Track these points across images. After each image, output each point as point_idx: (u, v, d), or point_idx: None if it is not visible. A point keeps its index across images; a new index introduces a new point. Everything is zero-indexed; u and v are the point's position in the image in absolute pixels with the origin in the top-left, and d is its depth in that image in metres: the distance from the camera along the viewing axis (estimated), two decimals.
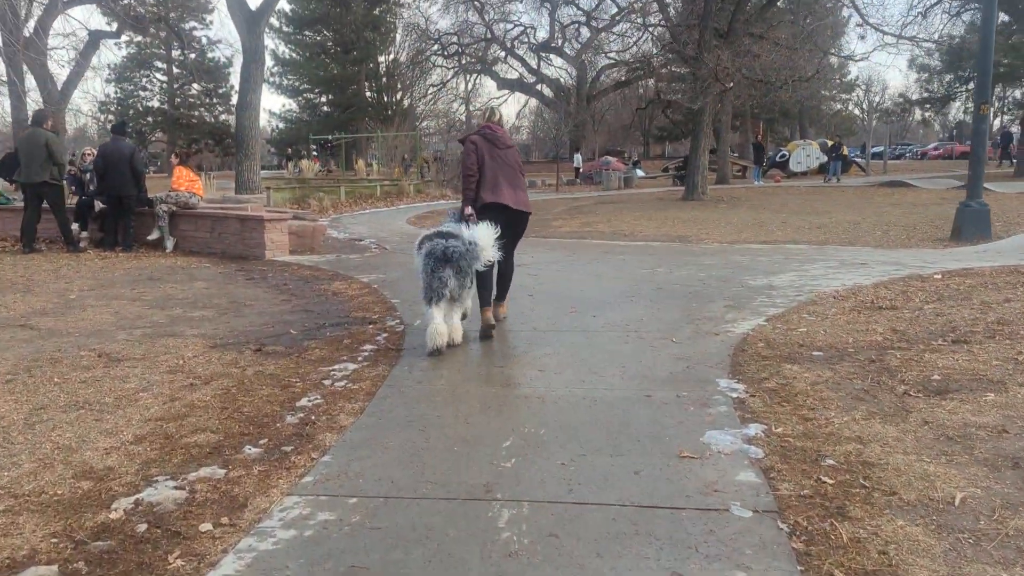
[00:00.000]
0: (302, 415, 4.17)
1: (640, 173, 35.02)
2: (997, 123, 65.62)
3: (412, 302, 7.11)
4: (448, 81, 62.93)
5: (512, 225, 6.00)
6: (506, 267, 6.25)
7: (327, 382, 4.77)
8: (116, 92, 59.58)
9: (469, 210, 5.88)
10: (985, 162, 11.38)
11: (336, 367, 5.10)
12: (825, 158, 35.25)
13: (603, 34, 59.55)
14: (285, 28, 57.58)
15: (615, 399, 4.32)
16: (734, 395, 4.36)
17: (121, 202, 11.38)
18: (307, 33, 58.70)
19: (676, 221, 15.50)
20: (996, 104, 63.43)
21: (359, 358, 5.32)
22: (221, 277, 9.08)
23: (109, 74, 57.90)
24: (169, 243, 11.66)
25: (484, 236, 5.38)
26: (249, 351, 5.53)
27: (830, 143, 34.07)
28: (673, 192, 26.75)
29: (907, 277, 7.86)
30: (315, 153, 41.07)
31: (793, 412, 4.07)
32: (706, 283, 7.86)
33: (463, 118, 65.36)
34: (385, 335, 5.99)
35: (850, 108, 77.64)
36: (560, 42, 60.99)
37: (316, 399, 4.44)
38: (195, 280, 8.84)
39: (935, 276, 7.78)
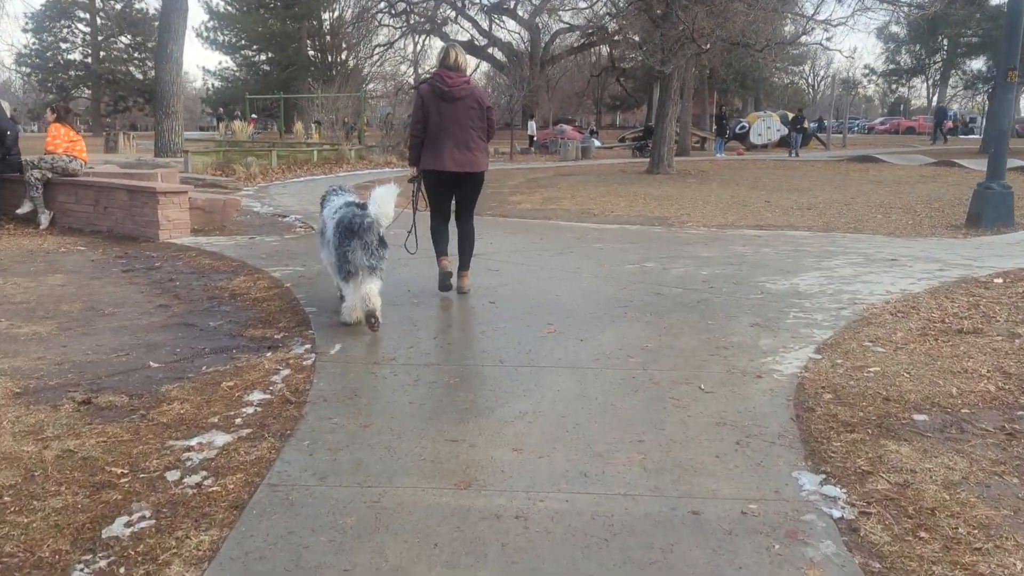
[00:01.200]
0: (102, 564, 2.35)
1: (597, 143, 33.29)
2: (935, 99, 65.89)
3: (332, 310, 5.28)
4: (395, 42, 60.04)
5: (459, 188, 5.71)
6: (463, 234, 5.91)
7: (172, 475, 2.94)
8: (34, 43, 55.34)
9: (413, 169, 5.75)
10: (1007, 139, 9.93)
11: (196, 441, 3.26)
12: (785, 131, 34.03)
13: None
14: None
15: (641, 520, 2.60)
16: (834, 512, 2.67)
17: None
18: None
19: (648, 198, 13.82)
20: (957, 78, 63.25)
21: (238, 421, 3.49)
22: (91, 267, 7.07)
23: (26, 22, 53.85)
24: (44, 218, 9.54)
25: (382, 199, 4.85)
26: (71, 404, 3.64)
27: (791, 116, 32.84)
28: (635, 164, 25.10)
29: (960, 281, 6.30)
30: (252, 115, 38.17)
31: (947, 555, 2.40)
32: (713, 286, 6.18)
33: (411, 80, 62.81)
34: (287, 371, 4.15)
35: (797, 81, 77.09)
36: (513, 3, 58.69)
37: (142, 517, 2.62)
38: (54, 271, 6.83)
39: (995, 280, 6.24)
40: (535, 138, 34.94)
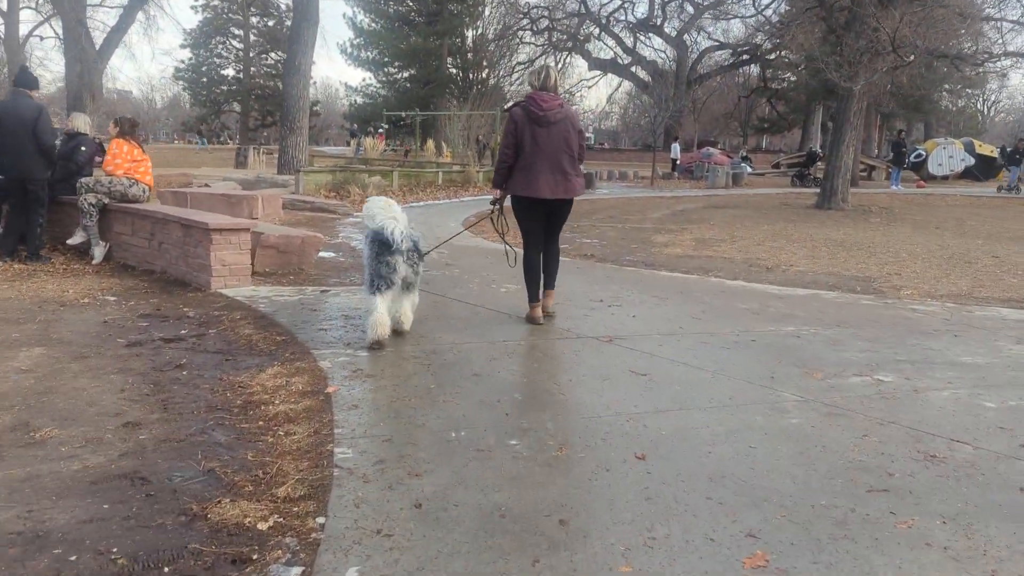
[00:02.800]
0: None
1: (748, 169, 30.18)
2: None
3: (391, 455, 3.12)
4: (536, 59, 58.89)
5: (551, 215, 5.68)
6: (549, 257, 5.85)
7: None
8: (191, 58, 57.58)
9: (495, 192, 5.78)
10: None
11: None
12: (971, 161, 29.78)
13: (708, 13, 54.45)
14: None
15: None
16: None
17: (25, 189, 7.74)
18: (389, 2, 55.27)
19: (830, 245, 11.06)
20: None
21: None
22: (94, 334, 5.27)
23: (185, 38, 56.00)
24: (97, 251, 8.02)
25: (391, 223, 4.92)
26: None
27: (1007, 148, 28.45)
28: (797, 196, 22.01)
29: None
30: (380, 130, 37.37)
31: None
32: None
33: None
34: None
35: (972, 105, 70.05)
36: (660, 20, 56.06)
37: None
38: (41, 339, 5.05)
39: None
40: (678, 162, 32.11)
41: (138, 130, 8.25)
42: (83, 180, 8.03)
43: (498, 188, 5.70)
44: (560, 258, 6.03)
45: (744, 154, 34.81)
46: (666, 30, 56.24)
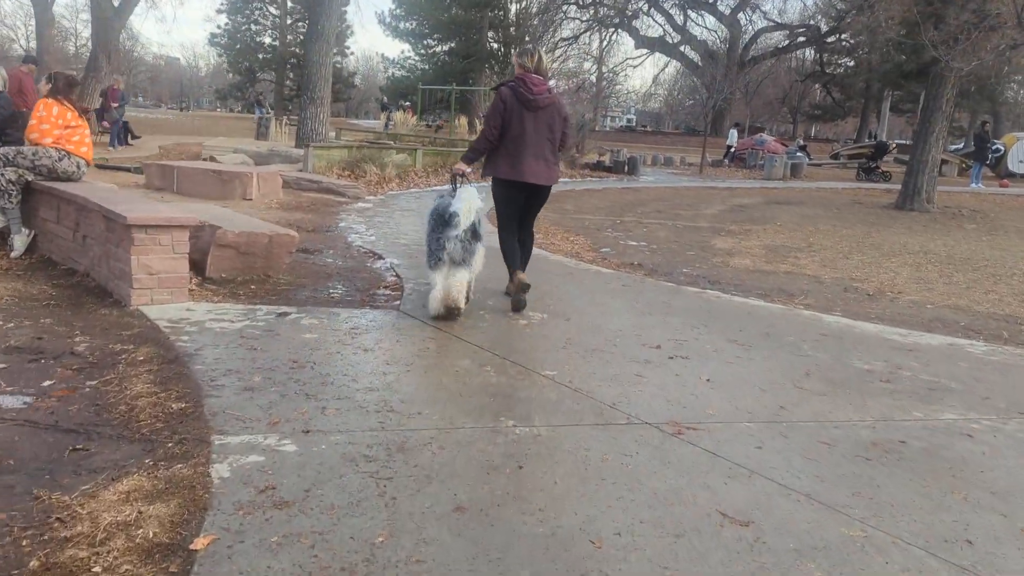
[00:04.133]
0: None
1: (806, 159, 27.85)
2: None
3: None
4: (580, 36, 56.47)
5: (530, 200, 5.58)
6: (526, 237, 5.84)
7: None
8: (227, 24, 56.19)
9: (462, 167, 5.53)
10: None
11: None
12: None
13: None
14: None
15: None
16: None
17: None
18: None
19: (934, 260, 9.04)
20: None
21: None
22: None
23: (221, 4, 54.59)
24: (17, 241, 6.34)
25: (466, 204, 4.95)
26: None
27: None
28: (867, 192, 19.81)
29: None
30: (407, 104, 35.46)
31: None
32: None
33: (593, 79, 58.98)
34: None
35: None
36: None
37: None
38: None
39: None
40: (733, 148, 29.78)
41: (74, 89, 6.50)
42: (3, 150, 6.33)
43: (468, 164, 5.54)
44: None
45: (801, 143, 32.32)
46: (719, 8, 53.59)
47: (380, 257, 7.35)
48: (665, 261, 8.31)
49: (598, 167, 22.98)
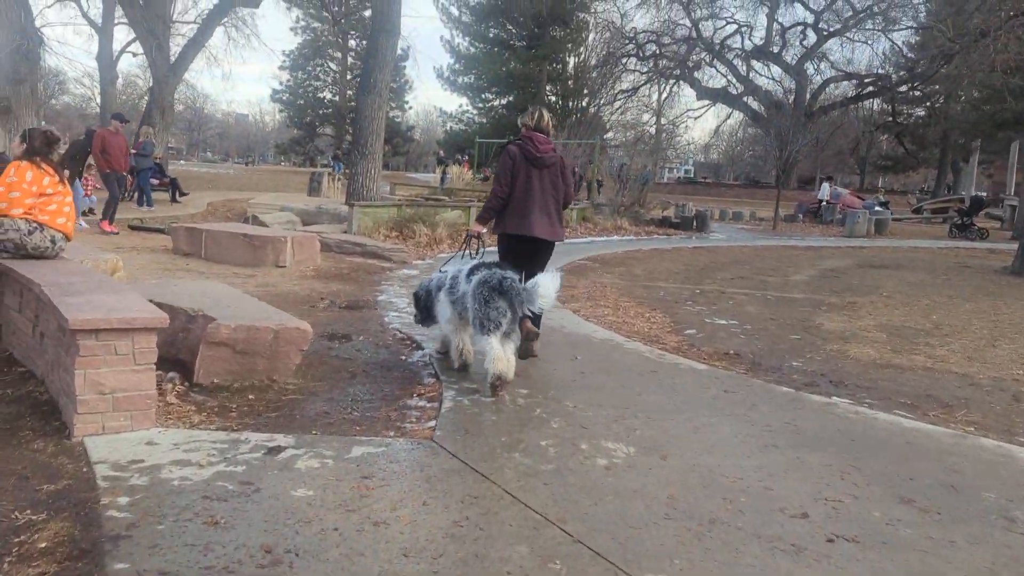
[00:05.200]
0: None
1: (889, 215, 25.94)
2: None
3: None
4: (640, 87, 55.56)
5: (537, 253, 5.60)
6: None
7: None
8: (289, 80, 56.93)
9: (478, 228, 5.70)
10: None
11: None
12: None
13: (832, 40, 49.96)
14: (465, 18, 52.32)
15: None
16: None
17: None
18: (490, 25, 53.09)
19: None
20: None
21: None
22: None
23: (284, 60, 55.36)
24: None
25: (548, 285, 4.77)
26: None
27: None
28: (968, 252, 17.90)
29: None
30: (466, 157, 34.55)
31: None
32: None
33: (652, 131, 57.81)
34: None
35: None
36: (779, 47, 51.89)
37: None
38: None
39: None
40: (825, 203, 27.60)
41: (55, 148, 5.39)
42: None
43: (483, 224, 5.67)
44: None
45: (882, 197, 30.35)
46: (784, 58, 52.09)
47: (418, 346, 6.01)
48: (767, 349, 6.79)
49: (664, 223, 21.55)
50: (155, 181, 18.95)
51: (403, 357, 5.72)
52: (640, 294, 9.71)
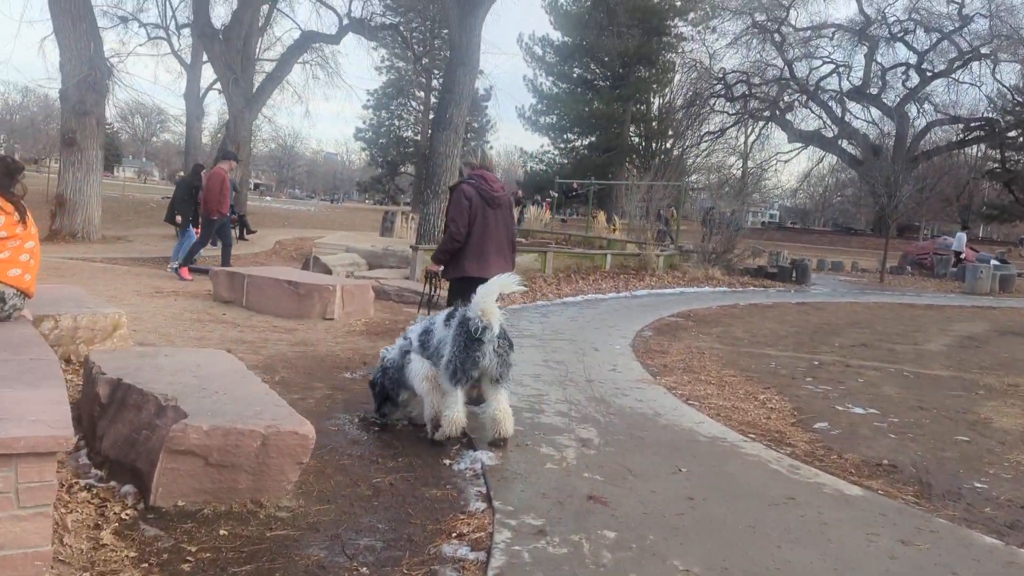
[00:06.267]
0: None
1: (1015, 270, 23.40)
2: None
3: None
4: (727, 129, 53.70)
5: None
6: None
7: None
8: (372, 119, 57.27)
9: (435, 267, 5.56)
10: None
11: None
12: None
13: (936, 81, 47.17)
14: (549, 58, 51.64)
15: None
16: None
17: None
18: (574, 65, 52.27)
19: None
20: None
21: None
22: None
23: (368, 99, 55.69)
24: None
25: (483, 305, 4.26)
26: None
27: None
28: None
29: None
30: (547, 199, 33.22)
31: None
32: None
33: (738, 174, 55.70)
34: None
35: None
36: (878, 88, 49.29)
37: None
38: None
39: None
40: (964, 256, 24.93)
41: (17, 179, 4.25)
42: None
43: (440, 264, 5.49)
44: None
45: (1002, 252, 27.66)
46: (883, 99, 49.46)
47: (470, 445, 4.60)
48: (931, 458, 5.12)
49: (759, 273, 19.71)
50: (234, 218, 18.33)
51: (447, 460, 4.31)
52: (747, 365, 8.10)
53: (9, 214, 4.12)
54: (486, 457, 4.31)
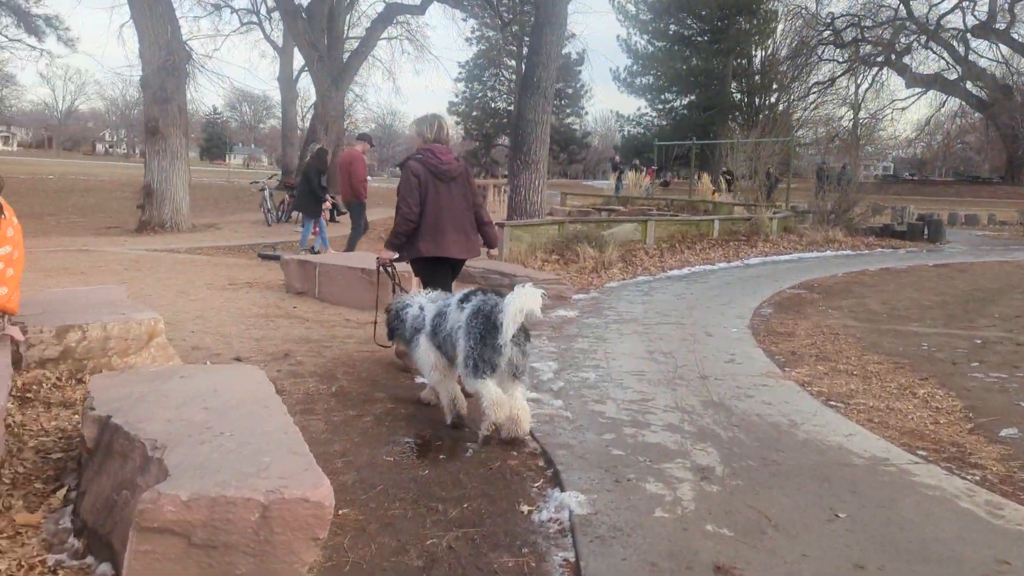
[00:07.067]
0: None
1: None
2: None
3: None
4: (837, 78, 50.24)
5: (453, 274, 5.27)
6: None
7: None
8: (465, 91, 56.58)
9: (387, 256, 5.24)
10: None
11: None
12: None
13: None
14: (643, 15, 49.47)
15: None
16: None
17: None
18: (669, 21, 49.89)
19: None
20: None
21: None
22: None
23: (459, 72, 54.99)
24: None
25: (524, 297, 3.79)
26: None
27: None
28: None
29: None
30: (653, 166, 31.46)
31: None
32: None
33: (849, 126, 52.13)
34: None
35: None
36: (1005, 23, 44.81)
37: None
38: None
39: None
40: None
41: None
42: None
43: (396, 250, 5.14)
44: None
45: None
46: (1012, 34, 44.97)
47: (555, 479, 3.61)
48: None
49: (885, 232, 17.83)
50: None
51: (525, 509, 3.33)
52: (892, 347, 6.79)
53: None
54: (575, 502, 3.30)
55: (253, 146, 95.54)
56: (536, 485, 3.56)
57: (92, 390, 3.43)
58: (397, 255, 5.20)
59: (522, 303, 3.77)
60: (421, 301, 4.53)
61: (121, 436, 2.95)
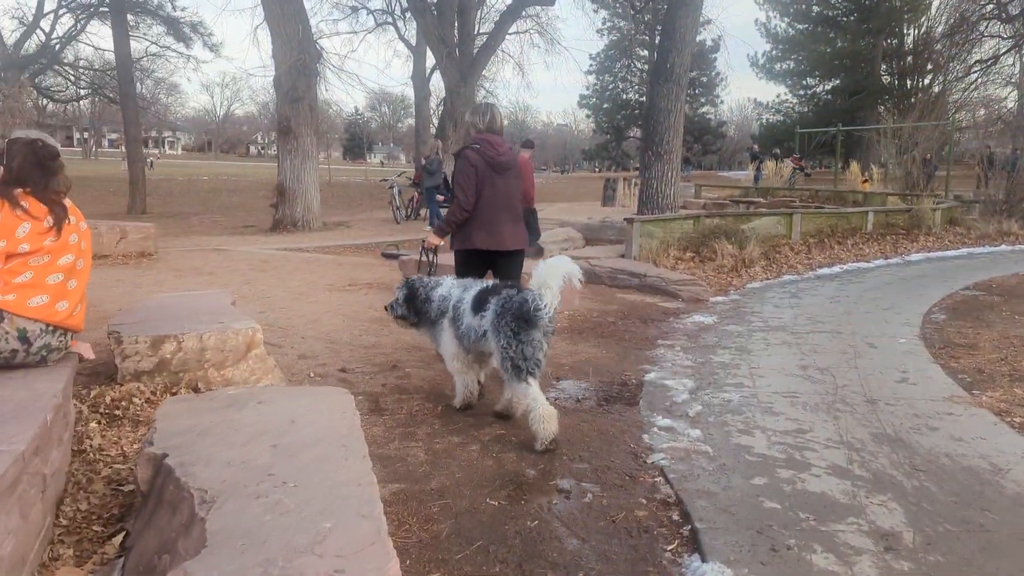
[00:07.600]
0: None
1: None
2: None
3: None
4: (1002, 55, 45.83)
5: (512, 265, 5.08)
6: None
7: None
8: (595, 84, 55.71)
9: (435, 241, 5.23)
10: None
11: None
12: None
13: None
14: None
15: None
16: None
17: None
18: (811, 2, 47.08)
19: None
20: None
21: None
22: None
23: (590, 64, 54.23)
24: None
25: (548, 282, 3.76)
26: None
27: None
28: None
29: None
30: (796, 154, 29.51)
31: None
32: None
33: (1014, 107, 47.48)
34: None
35: None
36: None
37: None
38: None
39: None
40: None
41: (54, 171, 3.14)
42: None
43: (442, 237, 5.20)
44: None
45: None
46: None
47: (692, 542, 2.91)
48: None
49: None
50: (440, 198, 17.75)
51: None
52: None
53: (37, 219, 3.04)
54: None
55: (392, 145, 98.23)
56: (669, 549, 2.88)
57: (158, 417, 3.03)
58: (442, 242, 5.22)
59: (567, 267, 3.76)
60: (452, 285, 4.46)
61: (172, 482, 2.51)
